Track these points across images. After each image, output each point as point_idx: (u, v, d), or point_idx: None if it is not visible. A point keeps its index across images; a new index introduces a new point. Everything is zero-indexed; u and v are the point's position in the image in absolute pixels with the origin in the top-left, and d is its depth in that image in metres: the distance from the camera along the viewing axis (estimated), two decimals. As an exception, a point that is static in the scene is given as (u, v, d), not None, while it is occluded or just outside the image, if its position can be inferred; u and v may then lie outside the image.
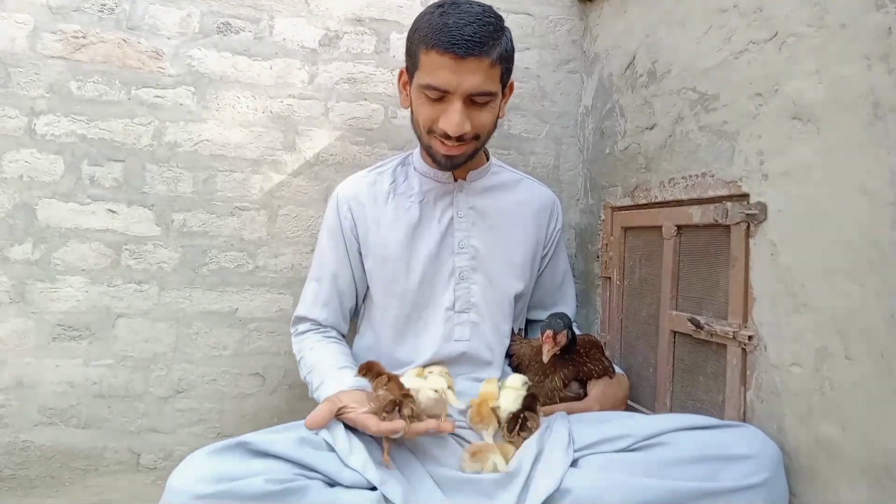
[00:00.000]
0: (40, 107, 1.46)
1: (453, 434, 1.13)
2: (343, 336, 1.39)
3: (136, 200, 1.50)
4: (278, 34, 1.59)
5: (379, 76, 1.64)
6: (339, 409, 1.03)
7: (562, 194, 1.72)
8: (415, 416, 1.02)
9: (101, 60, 1.49)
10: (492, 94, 1.19)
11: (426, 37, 1.15)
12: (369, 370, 1.12)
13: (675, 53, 1.29)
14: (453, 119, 1.16)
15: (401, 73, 1.29)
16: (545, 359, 1.15)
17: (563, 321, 1.16)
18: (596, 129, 1.65)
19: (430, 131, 1.21)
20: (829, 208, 0.92)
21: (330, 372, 1.18)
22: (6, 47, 1.44)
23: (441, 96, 1.17)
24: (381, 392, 1.05)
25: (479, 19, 1.14)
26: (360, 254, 1.35)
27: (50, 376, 1.45)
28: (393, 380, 1.08)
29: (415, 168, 1.36)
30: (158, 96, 1.52)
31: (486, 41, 1.14)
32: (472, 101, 1.17)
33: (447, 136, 1.19)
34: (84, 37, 1.49)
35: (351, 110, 1.62)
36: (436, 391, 1.06)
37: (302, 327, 1.36)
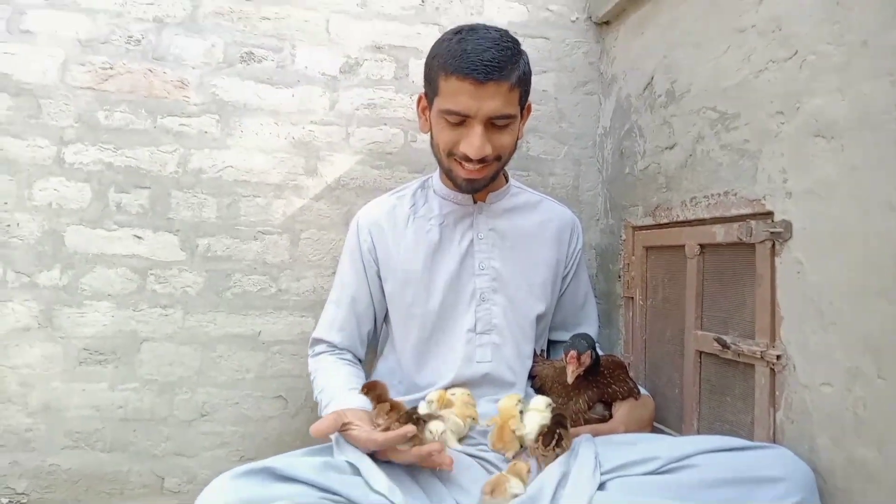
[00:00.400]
0: (69, 136, 1.50)
1: (477, 457, 1.12)
2: (359, 360, 1.39)
3: (161, 226, 1.53)
4: (300, 62, 1.62)
5: (398, 101, 1.66)
6: (344, 424, 1.03)
7: (582, 214, 1.72)
8: (419, 441, 1.02)
9: (128, 90, 1.53)
10: (511, 117, 1.20)
11: (445, 63, 1.16)
12: (371, 390, 1.14)
13: (693, 73, 1.30)
14: (474, 142, 1.17)
15: (419, 99, 1.31)
16: (569, 380, 1.14)
17: (587, 342, 1.16)
18: (615, 149, 1.65)
19: (451, 154, 1.23)
20: (855, 226, 0.91)
21: (339, 393, 1.18)
22: (38, 80, 1.48)
23: (461, 120, 1.18)
24: (381, 420, 1.05)
25: (497, 44, 1.16)
26: (380, 277, 1.36)
27: (76, 400, 1.47)
28: (395, 408, 1.08)
29: (434, 191, 1.37)
30: (183, 124, 1.55)
31: (505, 65, 1.15)
32: (492, 124, 1.18)
33: (468, 159, 1.20)
34: (111, 68, 1.53)
35: (371, 135, 1.65)
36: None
37: (318, 348, 1.37)
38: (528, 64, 1.23)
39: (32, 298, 1.46)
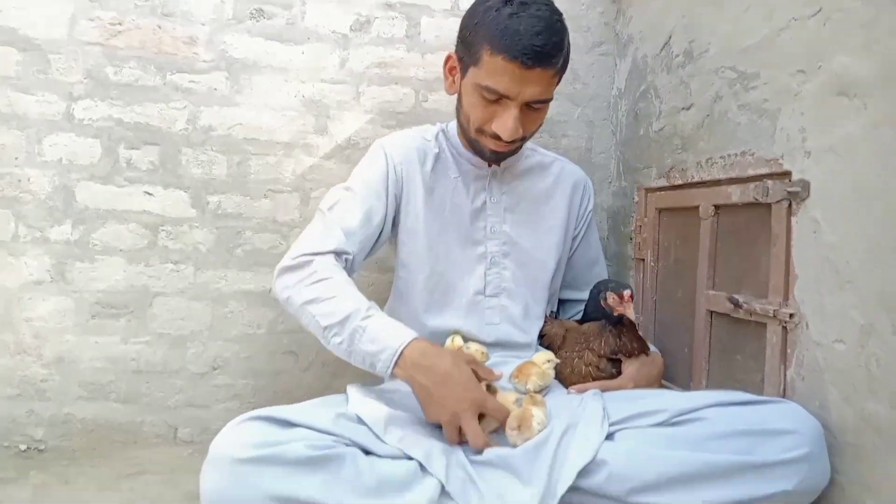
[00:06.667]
0: (78, 92, 1.49)
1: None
2: None
3: (172, 183, 1.53)
4: (310, 19, 1.59)
5: (410, 60, 1.64)
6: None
7: (594, 177, 1.70)
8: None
9: (137, 46, 1.52)
10: (548, 101, 1.18)
11: (493, 39, 1.10)
12: None
13: (713, 32, 1.28)
14: (508, 124, 1.14)
15: (448, 58, 1.25)
16: (632, 317, 1.14)
17: (623, 282, 1.17)
18: (629, 110, 1.63)
19: (481, 131, 1.19)
20: (876, 185, 0.90)
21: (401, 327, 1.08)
22: (46, 34, 1.47)
23: (498, 98, 1.14)
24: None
25: (549, 27, 1.10)
26: (397, 212, 1.28)
27: (90, 353, 1.49)
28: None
29: (452, 146, 1.34)
30: (193, 81, 1.54)
31: (555, 53, 1.11)
32: (528, 106, 1.15)
33: (498, 138, 1.17)
34: (120, 23, 1.51)
35: (382, 94, 1.63)
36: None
37: (303, 260, 1.14)
38: (570, 44, 1.18)
39: (45, 253, 1.47)
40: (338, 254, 1.17)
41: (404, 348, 1.04)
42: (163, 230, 1.52)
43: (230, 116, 1.55)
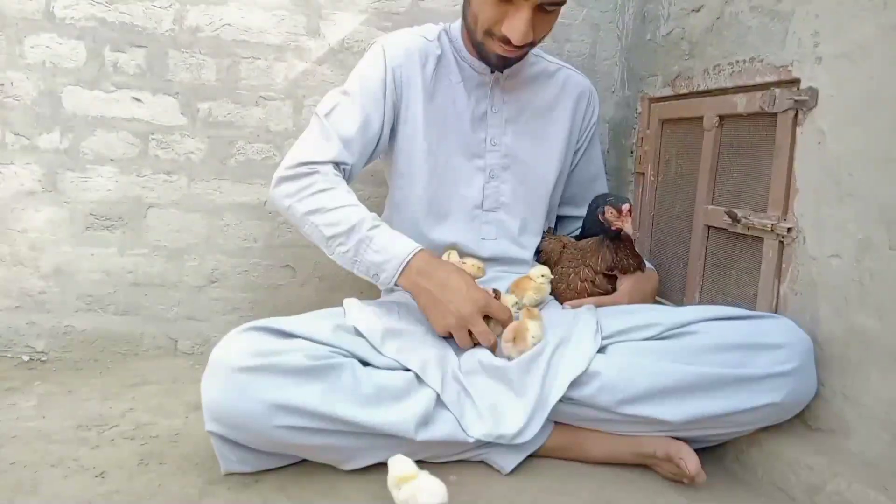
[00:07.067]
0: (57, -12, 1.41)
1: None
2: None
3: (160, 88, 1.48)
4: None
5: (407, -45, 1.54)
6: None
7: (597, 86, 1.62)
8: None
9: (118, -63, 1.42)
10: (562, 3, 1.11)
11: None
12: None
13: (729, -75, 1.19)
14: (520, 27, 1.07)
15: None
16: (632, 234, 1.14)
17: (622, 196, 1.16)
18: (637, 12, 1.55)
19: (490, 33, 1.12)
20: (887, 91, 0.86)
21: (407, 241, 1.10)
22: (17, -77, 1.37)
23: None
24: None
25: None
26: (395, 119, 1.24)
27: (87, 265, 1.49)
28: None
29: (455, 48, 1.27)
30: (177, -24, 1.45)
31: None
32: (541, 8, 1.08)
33: (507, 42, 1.11)
34: (98, -90, 1.41)
35: (376, -8, 1.54)
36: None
37: (303, 170, 1.14)
38: None
39: (34, 162, 1.44)
40: (337, 164, 1.16)
41: (410, 259, 1.06)
42: (153, 139, 1.49)
43: (218, 16, 1.48)
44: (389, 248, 1.07)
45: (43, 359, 1.47)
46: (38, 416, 1.15)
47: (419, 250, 1.07)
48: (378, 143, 1.23)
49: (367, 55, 1.26)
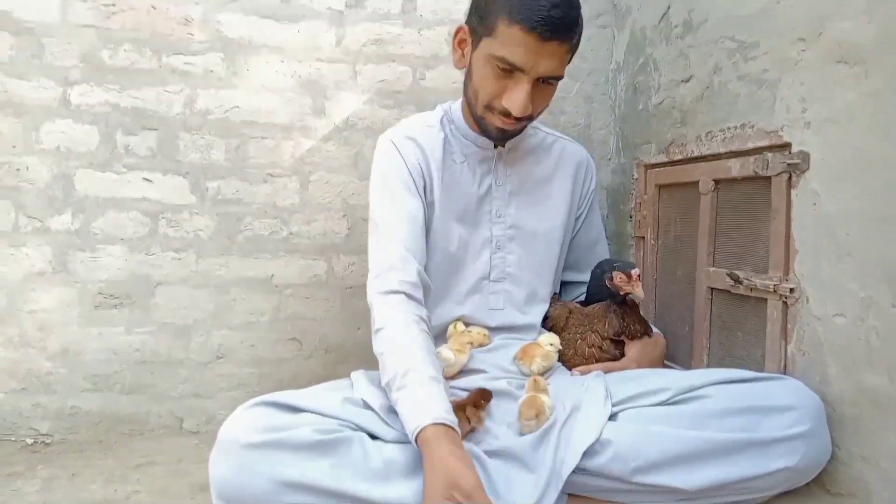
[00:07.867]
0: (74, 77, 1.48)
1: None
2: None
3: (170, 169, 1.52)
4: (304, -4, 1.57)
5: (406, 37, 1.62)
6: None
7: (593, 154, 1.67)
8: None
9: (132, 28, 1.50)
10: (560, 78, 1.15)
11: (511, 9, 1.07)
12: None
13: (712, 2, 1.25)
14: (520, 100, 1.10)
15: (458, 30, 1.21)
16: (641, 296, 1.15)
17: (627, 262, 1.17)
18: (628, 84, 1.61)
19: (490, 106, 1.16)
20: (876, 153, 0.89)
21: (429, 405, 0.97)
22: (39, 18, 1.46)
23: (510, 72, 1.11)
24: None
25: (568, 0, 1.08)
26: (425, 199, 1.24)
27: (94, 344, 1.50)
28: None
29: (456, 127, 1.30)
30: (189, 63, 1.52)
31: (572, 26, 1.09)
32: (540, 81, 1.12)
33: (507, 114, 1.14)
34: (114, 4, 1.49)
35: (379, 73, 1.61)
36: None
37: (395, 300, 1.12)
38: (583, 23, 1.15)
39: (46, 243, 1.47)
40: (412, 283, 1.14)
41: (418, 433, 0.93)
42: (163, 217, 1.52)
43: (227, 99, 1.54)
44: (405, 415, 0.97)
45: (47, 441, 1.45)
46: (41, 502, 1.13)
47: (426, 428, 0.93)
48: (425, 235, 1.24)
49: (380, 156, 1.27)
